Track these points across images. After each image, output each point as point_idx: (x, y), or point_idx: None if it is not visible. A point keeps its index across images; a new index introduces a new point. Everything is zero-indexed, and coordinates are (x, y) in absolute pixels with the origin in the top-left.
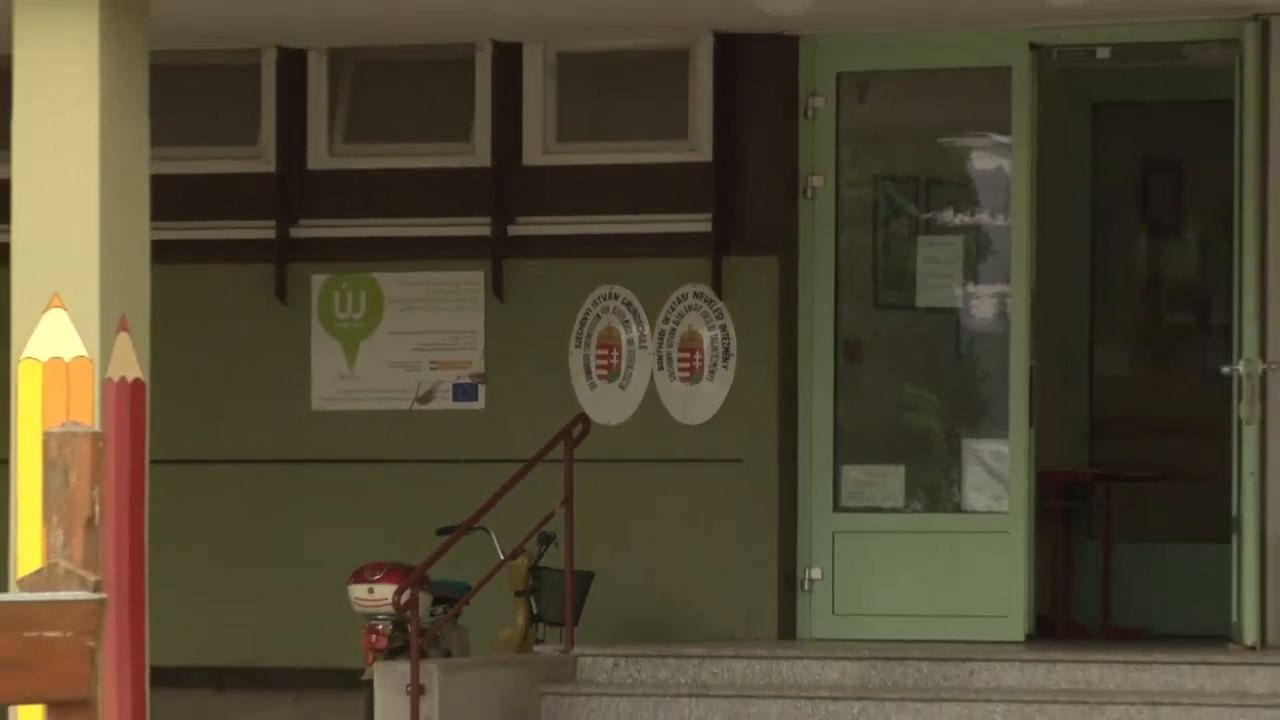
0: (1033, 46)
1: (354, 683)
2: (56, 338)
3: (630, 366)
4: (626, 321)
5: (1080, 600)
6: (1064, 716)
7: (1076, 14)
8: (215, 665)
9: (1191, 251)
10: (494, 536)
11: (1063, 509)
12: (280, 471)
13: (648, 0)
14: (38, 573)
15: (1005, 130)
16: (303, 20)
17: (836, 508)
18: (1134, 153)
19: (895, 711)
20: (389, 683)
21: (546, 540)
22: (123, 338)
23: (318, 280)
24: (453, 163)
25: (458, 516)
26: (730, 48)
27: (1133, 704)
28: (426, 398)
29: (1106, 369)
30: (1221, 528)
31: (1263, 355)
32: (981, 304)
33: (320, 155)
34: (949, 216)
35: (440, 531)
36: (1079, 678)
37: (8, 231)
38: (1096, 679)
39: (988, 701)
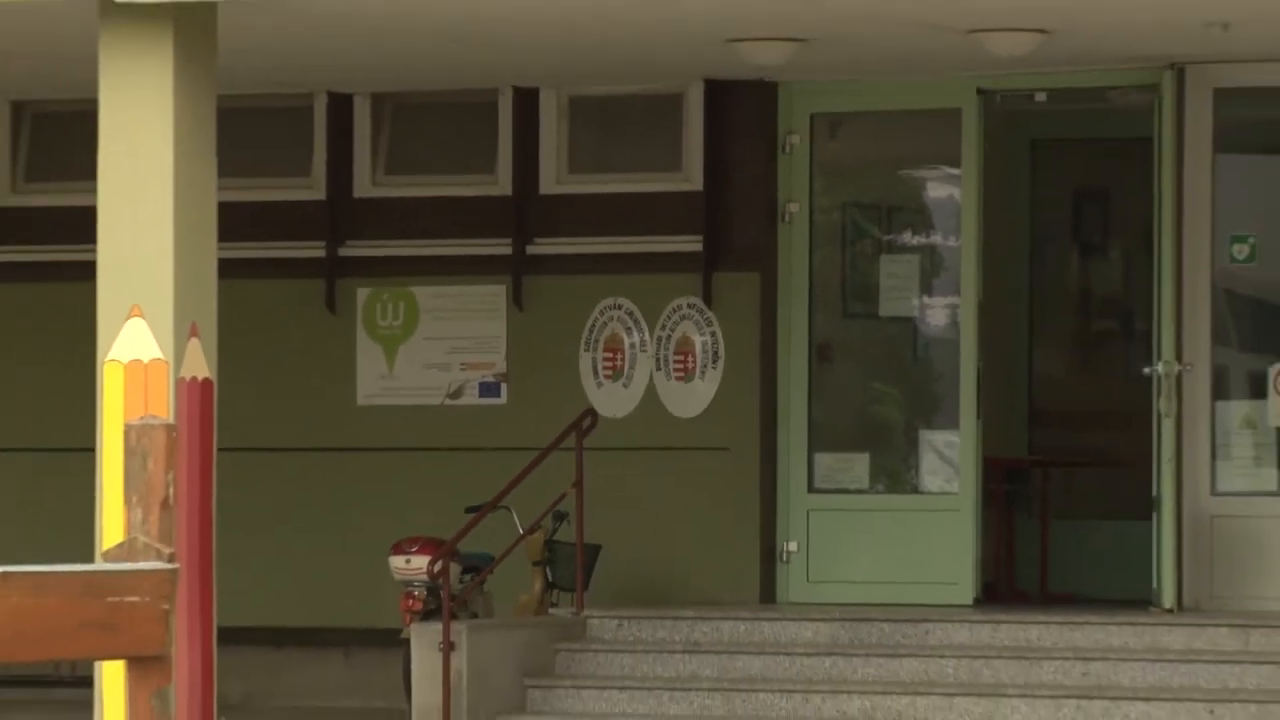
0: (979, 91)
1: (394, 641)
2: (136, 343)
3: (632, 367)
4: (629, 328)
5: (1021, 569)
6: (1007, 670)
7: (1017, 64)
8: (275, 626)
9: (1116, 268)
10: (514, 514)
11: (1005, 490)
12: (329, 458)
13: (646, 52)
14: (120, 546)
15: (956, 163)
16: (349, 69)
17: (810, 489)
18: (1066, 183)
19: (861, 665)
20: (424, 641)
21: (560, 518)
22: (193, 343)
23: (362, 293)
24: (478, 191)
25: (483, 497)
26: (718, 92)
27: (1067, 659)
28: (456, 394)
29: (1043, 369)
30: (1143, 506)
31: (1178, 358)
32: (935, 313)
33: (364, 185)
34: (907, 238)
35: (468, 510)
36: (1020, 636)
37: (94, 251)
38: (1035, 638)
39: (941, 657)
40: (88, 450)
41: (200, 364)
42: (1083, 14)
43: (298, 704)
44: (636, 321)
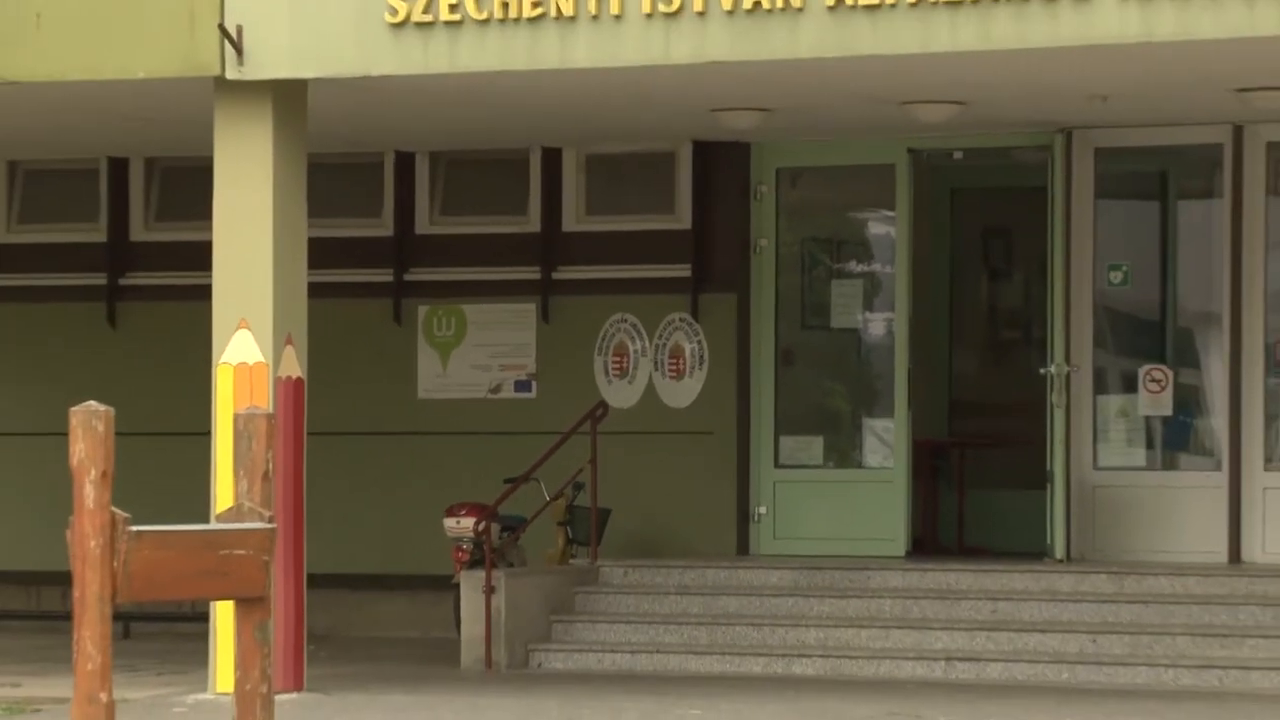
0: (910, 150)
1: (447, 585)
2: (244, 349)
3: (635, 368)
4: (632, 338)
5: (943, 528)
6: (932, 608)
7: (939, 129)
8: (352, 573)
9: (1018, 290)
10: (543, 485)
11: (931, 465)
12: (395, 440)
13: (647, 120)
14: (229, 510)
15: (891, 207)
16: (411, 133)
17: (776, 465)
18: (978, 223)
19: (816, 604)
20: (471, 585)
21: (578, 487)
22: (289, 349)
23: (422, 310)
24: (513, 229)
25: (517, 470)
26: (703, 151)
27: (979, 599)
28: (496, 390)
29: (960, 369)
30: (1039, 478)
31: (1067, 360)
32: (875, 325)
33: (424, 223)
34: (853, 266)
35: (506, 481)
36: (942, 581)
37: (210, 276)
38: (954, 582)
39: (879, 598)
40: (204, 434)
41: (294, 366)
42: (990, 89)
43: (370, 635)
44: (639, 332)
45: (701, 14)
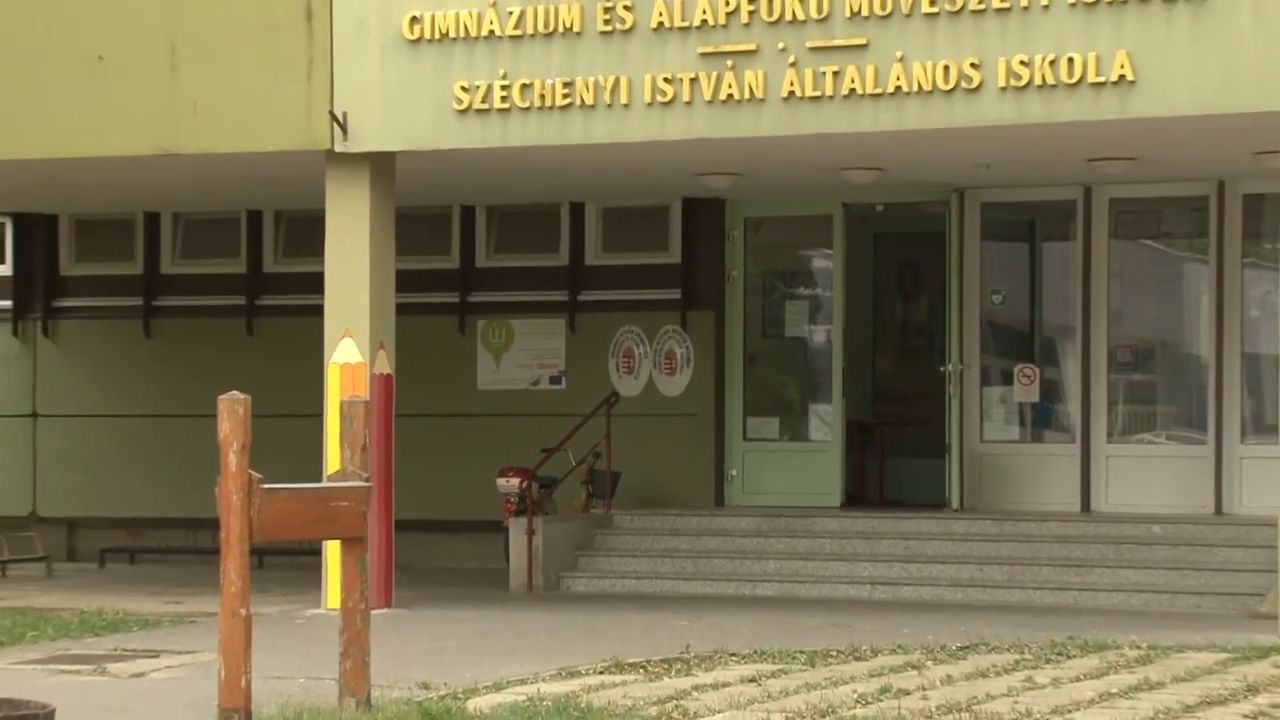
0: (844, 205)
1: (498, 529)
2: (348, 353)
3: (639, 367)
4: (637, 343)
5: (869, 486)
6: (860, 545)
7: (865, 189)
8: (428, 519)
9: (924, 309)
10: (570, 454)
11: (860, 439)
12: (461, 421)
13: (649, 183)
14: (336, 473)
15: (830, 247)
16: (472, 191)
17: (744, 439)
18: (894, 258)
19: (774, 543)
20: (517, 529)
21: (597, 455)
22: (381, 353)
23: (480, 323)
24: (548, 263)
25: (552, 443)
26: (690, 205)
27: (895, 538)
28: (536, 383)
29: (881, 368)
30: (940, 449)
31: (960, 361)
32: (818, 335)
33: (481, 258)
34: (801, 290)
35: (543, 451)
36: (867, 524)
37: (322, 298)
38: (876, 525)
39: (821, 538)
40: (317, 416)
41: (385, 365)
42: (903, 159)
43: (441, 566)
44: (642, 339)
45: (689, 103)
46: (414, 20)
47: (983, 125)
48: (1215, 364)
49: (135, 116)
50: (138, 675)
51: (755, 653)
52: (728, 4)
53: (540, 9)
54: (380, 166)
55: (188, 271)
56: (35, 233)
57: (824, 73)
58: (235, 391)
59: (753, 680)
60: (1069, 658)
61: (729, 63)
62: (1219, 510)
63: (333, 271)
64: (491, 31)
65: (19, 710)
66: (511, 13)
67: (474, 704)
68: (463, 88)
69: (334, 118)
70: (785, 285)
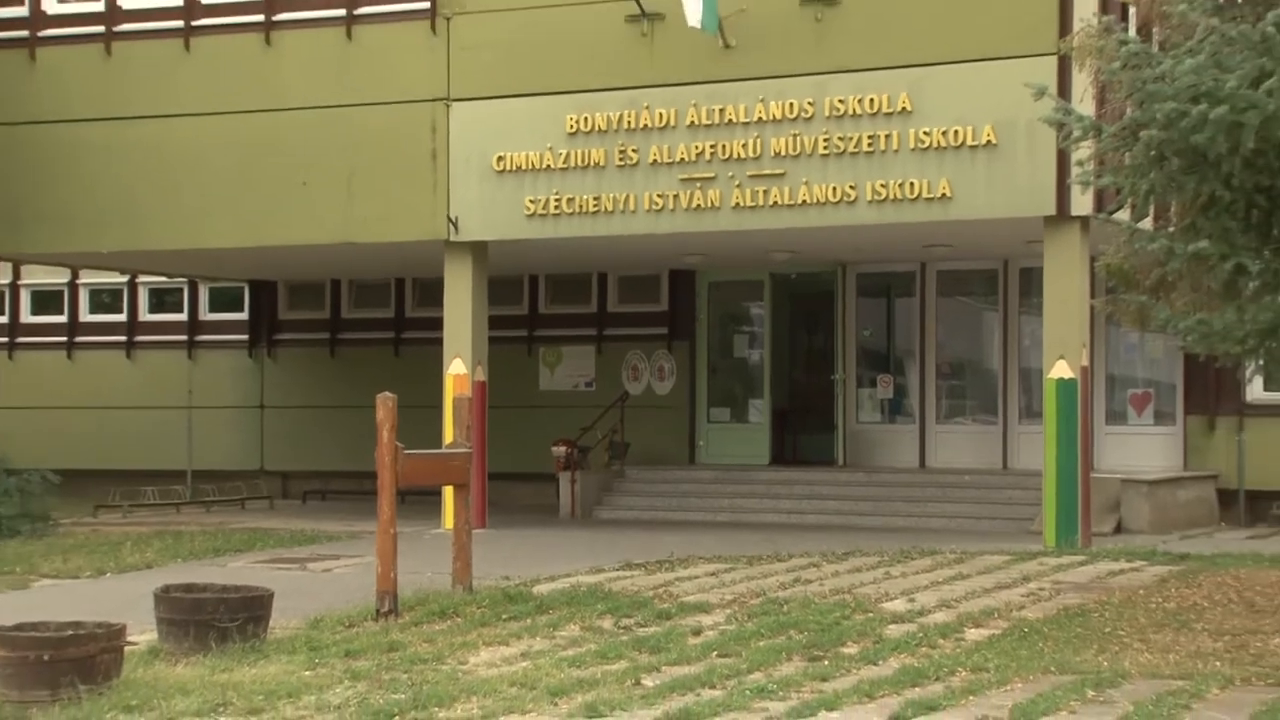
0: (770, 274)
1: (552, 479)
2: (457, 367)
3: (641, 376)
4: (640, 361)
5: (786, 451)
6: (780, 489)
7: (784, 264)
8: (508, 471)
9: (821, 340)
10: (598, 431)
11: (781, 421)
12: (529, 410)
13: (647, 259)
14: (450, 443)
15: (762, 300)
16: (536, 264)
17: (708, 421)
18: (802, 310)
19: (728, 488)
20: (564, 479)
21: (614, 432)
22: (479, 368)
23: (541, 349)
24: (583, 310)
25: (586, 424)
26: (674, 273)
27: (803, 484)
28: (575, 387)
29: (794, 376)
30: (830, 428)
31: (844, 372)
32: (754, 356)
33: (542, 307)
34: (744, 328)
35: (581, 429)
36: (785, 475)
37: (442, 332)
38: (790, 476)
39: (755, 484)
40: (438, 407)
41: (480, 375)
42: (807, 246)
43: (516, 502)
44: (643, 358)
45: (673, 210)
46: (499, 158)
47: (856, 225)
48: (1002, 375)
49: (326, 219)
50: (326, 570)
51: (715, 557)
52: (697, 149)
53: (578, 151)
54: (478, 250)
55: (358, 316)
56: (261, 292)
57: (757, 191)
58: (387, 392)
59: (713, 574)
60: (912, 559)
61: (698, 185)
62: (1005, 466)
63: (449, 316)
64: (548, 165)
65: (252, 591)
66: (561, 153)
67: (537, 589)
68: (530, 201)
69: (450, 220)
70: (734, 324)
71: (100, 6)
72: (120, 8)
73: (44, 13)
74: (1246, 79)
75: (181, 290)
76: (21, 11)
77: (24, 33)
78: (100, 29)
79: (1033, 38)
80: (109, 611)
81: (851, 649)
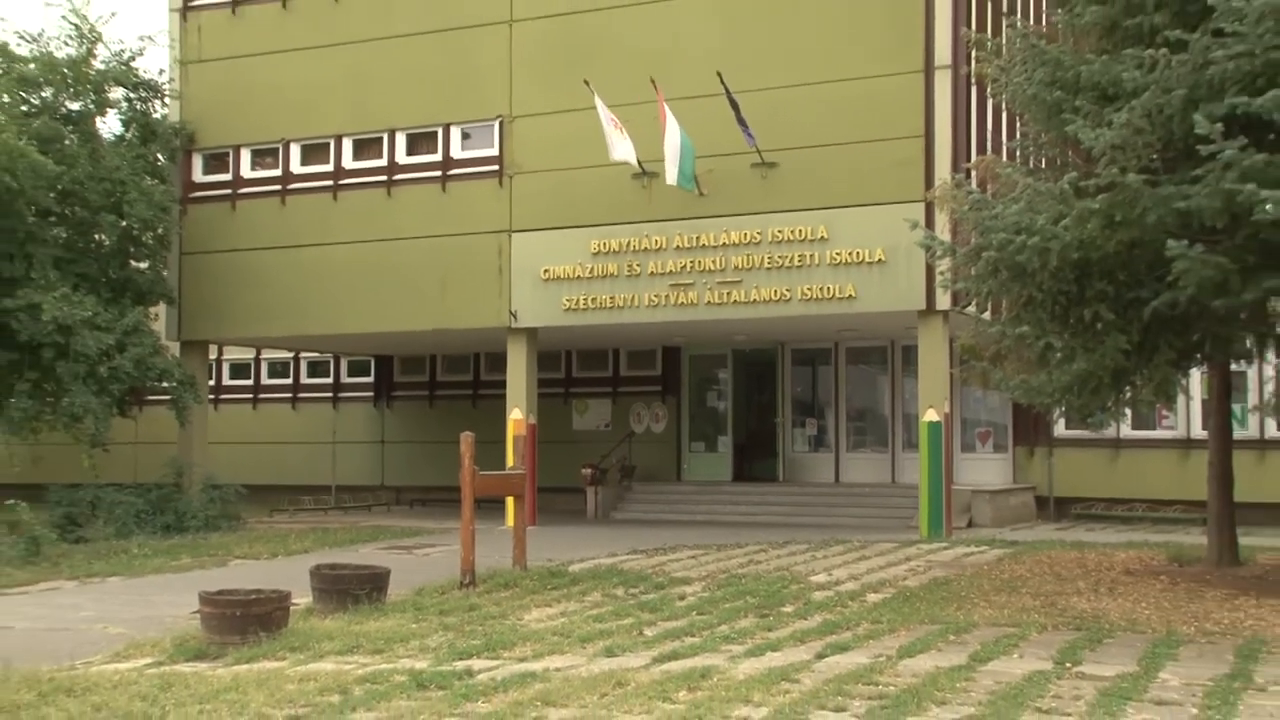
0: (733, 349)
1: (581, 491)
2: (516, 414)
3: (643, 420)
4: (643, 410)
5: (746, 471)
6: (740, 498)
7: (742, 342)
8: (550, 486)
9: (768, 396)
10: (614, 459)
11: (741, 451)
12: (564, 446)
13: (647, 339)
14: (511, 467)
15: (726, 368)
16: (572, 342)
17: (690, 451)
18: (755, 373)
19: (703, 496)
20: (590, 492)
21: (624, 457)
22: (531, 415)
23: (574, 400)
24: (603, 374)
25: (605, 454)
26: (666, 349)
27: (753, 494)
28: (598, 428)
29: (749, 421)
30: (774, 455)
31: (783, 416)
32: (721, 407)
33: (575, 372)
34: (714, 387)
35: (602, 458)
36: (743, 488)
37: (505, 390)
38: (747, 489)
39: (721, 494)
40: (502, 441)
41: (532, 419)
42: (757, 331)
43: (557, 509)
44: (645, 408)
45: (664, 306)
46: (545, 270)
47: (791, 316)
48: (891, 418)
49: (424, 312)
50: (425, 555)
51: (694, 545)
52: (681, 264)
53: (599, 266)
54: (531, 334)
55: (448, 379)
56: (383, 363)
57: (723, 293)
58: (467, 431)
59: (693, 557)
60: (830, 546)
61: (682, 289)
62: (893, 481)
63: (510, 379)
64: (579, 275)
65: (375, 569)
66: (587, 268)
67: (571, 568)
68: (566, 299)
69: (511, 314)
70: (707, 385)
71: (278, 172)
72: (292, 173)
73: (242, 177)
74: (1051, 219)
75: (329, 362)
76: (227, 177)
77: (229, 191)
78: (279, 187)
79: (908, 190)
80: (280, 582)
81: (789, 608)
